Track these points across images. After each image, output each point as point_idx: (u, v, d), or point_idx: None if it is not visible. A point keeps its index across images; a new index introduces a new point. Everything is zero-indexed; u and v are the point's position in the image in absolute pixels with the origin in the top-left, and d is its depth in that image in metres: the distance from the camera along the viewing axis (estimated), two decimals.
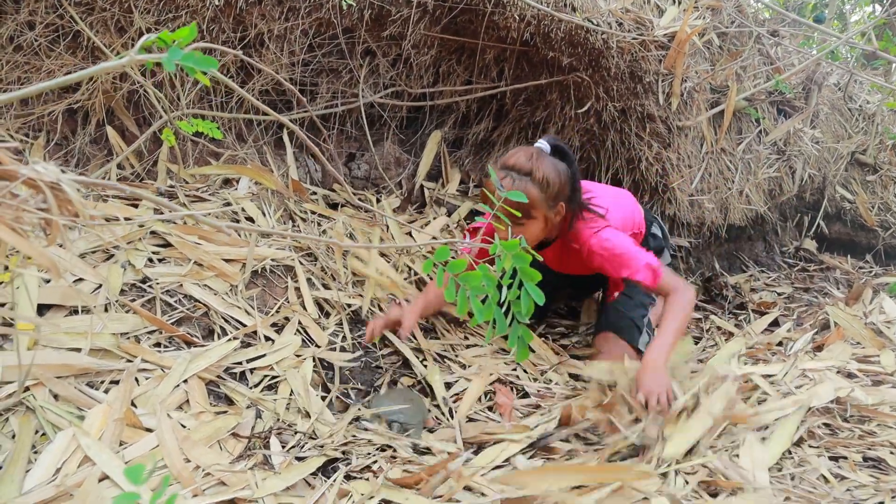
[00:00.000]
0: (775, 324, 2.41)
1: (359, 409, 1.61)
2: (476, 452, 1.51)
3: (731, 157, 2.87)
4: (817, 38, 4.00)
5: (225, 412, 1.44)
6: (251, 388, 1.54)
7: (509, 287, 0.81)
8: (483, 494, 1.28)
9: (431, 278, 2.02)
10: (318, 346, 1.72)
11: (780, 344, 2.10)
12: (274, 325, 1.69)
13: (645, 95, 2.57)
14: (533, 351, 2.01)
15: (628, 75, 2.48)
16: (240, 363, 1.56)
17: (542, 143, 1.82)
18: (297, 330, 1.72)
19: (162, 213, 1.77)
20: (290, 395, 1.58)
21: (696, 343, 2.26)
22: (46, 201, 0.56)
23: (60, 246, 1.60)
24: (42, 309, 1.45)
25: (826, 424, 1.50)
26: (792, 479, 1.27)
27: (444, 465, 1.38)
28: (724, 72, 2.78)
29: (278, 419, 1.48)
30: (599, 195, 1.96)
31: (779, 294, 2.95)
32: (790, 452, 1.37)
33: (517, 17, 2.34)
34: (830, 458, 1.36)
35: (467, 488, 1.34)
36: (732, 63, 2.84)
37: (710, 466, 1.32)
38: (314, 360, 1.67)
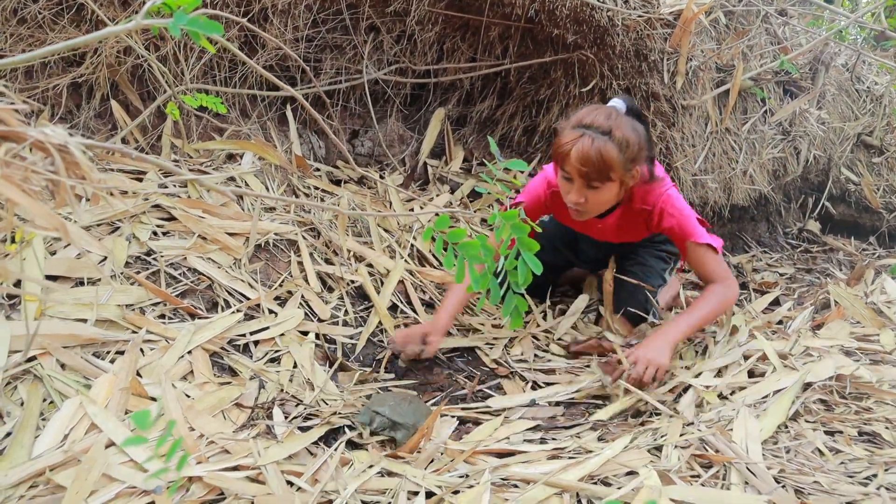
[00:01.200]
0: (776, 303, 2.42)
1: (359, 377, 1.63)
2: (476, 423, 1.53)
3: (736, 137, 2.86)
4: (826, 18, 3.96)
5: (229, 383, 1.46)
6: (254, 360, 1.56)
7: (506, 257, 0.82)
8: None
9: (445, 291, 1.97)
10: (322, 321, 1.74)
11: (780, 323, 2.11)
12: (277, 298, 1.71)
13: (650, 74, 2.56)
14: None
15: (633, 53, 2.47)
16: (243, 335, 1.59)
17: (618, 102, 1.70)
18: (300, 304, 1.73)
19: (166, 187, 1.78)
20: (294, 367, 1.60)
21: None
22: (54, 164, 0.56)
23: (68, 219, 1.61)
24: (48, 280, 1.47)
25: (822, 400, 1.51)
26: (787, 453, 1.29)
27: (425, 432, 1.40)
28: (730, 51, 2.77)
29: (282, 390, 1.50)
30: None
31: (781, 275, 2.95)
32: (786, 427, 1.38)
33: None
34: (826, 433, 1.37)
35: (468, 462, 1.36)
36: (739, 42, 2.82)
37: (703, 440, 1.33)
38: (317, 333, 1.69)
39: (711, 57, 2.67)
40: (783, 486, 1.15)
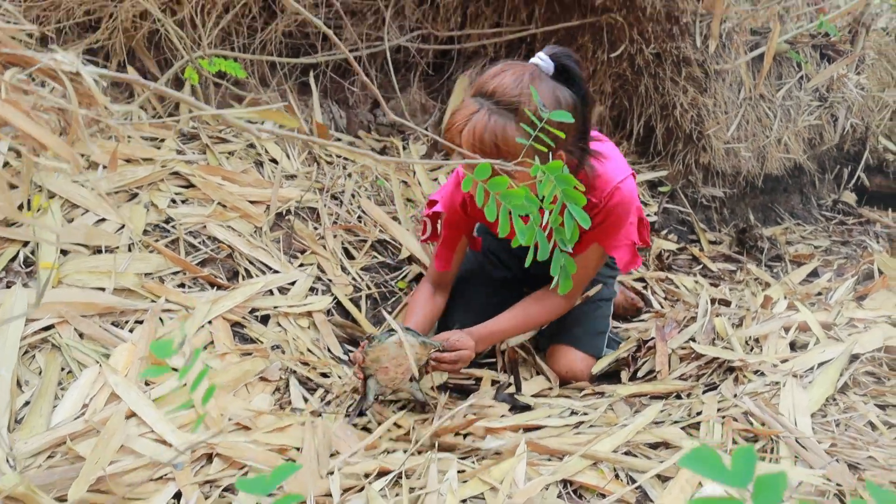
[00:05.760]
0: (814, 275, 2.33)
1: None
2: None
3: (770, 104, 2.75)
4: None
5: (250, 354, 1.42)
6: (276, 330, 1.51)
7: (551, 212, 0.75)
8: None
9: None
10: (343, 287, 1.69)
11: (818, 294, 2.02)
12: (301, 265, 1.66)
13: (681, 37, 2.46)
14: None
15: (664, 16, 2.37)
16: (265, 306, 1.54)
17: (543, 59, 1.25)
18: (321, 273, 1.68)
19: (184, 154, 1.73)
20: (315, 340, 1.56)
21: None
22: (66, 95, 0.51)
23: (86, 185, 1.57)
24: (65, 249, 1.43)
25: (871, 373, 1.44)
26: (837, 426, 1.22)
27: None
28: (765, 12, 2.65)
29: (303, 364, 1.46)
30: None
31: (815, 247, 2.85)
32: (834, 399, 1.31)
33: None
34: (877, 406, 1.30)
35: (495, 436, 1.32)
36: (774, 2, 2.69)
37: (748, 412, 1.27)
38: (338, 303, 1.64)
39: (746, 18, 2.56)
40: (836, 461, 1.09)
